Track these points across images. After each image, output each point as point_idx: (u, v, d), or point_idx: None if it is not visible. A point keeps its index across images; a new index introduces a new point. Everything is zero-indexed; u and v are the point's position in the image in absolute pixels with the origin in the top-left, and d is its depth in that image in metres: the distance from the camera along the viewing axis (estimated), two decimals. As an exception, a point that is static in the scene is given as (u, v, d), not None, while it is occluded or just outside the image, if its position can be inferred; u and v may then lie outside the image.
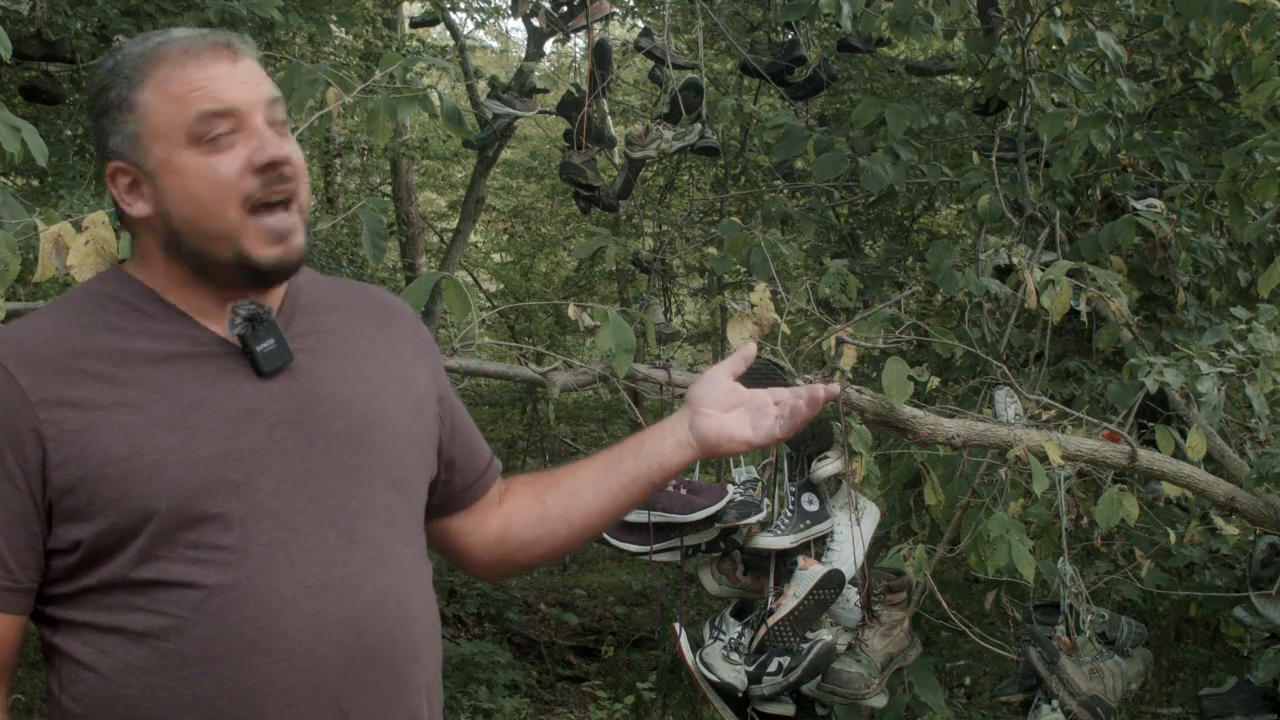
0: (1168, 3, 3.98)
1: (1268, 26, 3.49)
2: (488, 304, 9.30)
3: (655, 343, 3.58)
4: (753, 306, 2.85)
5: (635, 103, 7.55)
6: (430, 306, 6.53)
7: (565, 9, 4.51)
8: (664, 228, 6.51)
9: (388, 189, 8.82)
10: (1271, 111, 4.04)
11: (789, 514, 2.66)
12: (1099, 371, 3.94)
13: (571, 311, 2.71)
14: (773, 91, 5.13)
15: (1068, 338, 4.15)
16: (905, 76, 5.48)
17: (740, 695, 2.60)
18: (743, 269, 3.60)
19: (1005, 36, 4.18)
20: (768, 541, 2.61)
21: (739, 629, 2.66)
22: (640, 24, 5.60)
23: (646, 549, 2.52)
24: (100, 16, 4.29)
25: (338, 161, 8.68)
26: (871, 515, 2.77)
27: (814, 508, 2.69)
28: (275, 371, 1.36)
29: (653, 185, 6.54)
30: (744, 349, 1.62)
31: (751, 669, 2.57)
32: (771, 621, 2.56)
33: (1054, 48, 4.06)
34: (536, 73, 5.17)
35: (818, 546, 2.70)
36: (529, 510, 1.62)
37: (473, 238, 9.29)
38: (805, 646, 2.58)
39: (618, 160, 5.04)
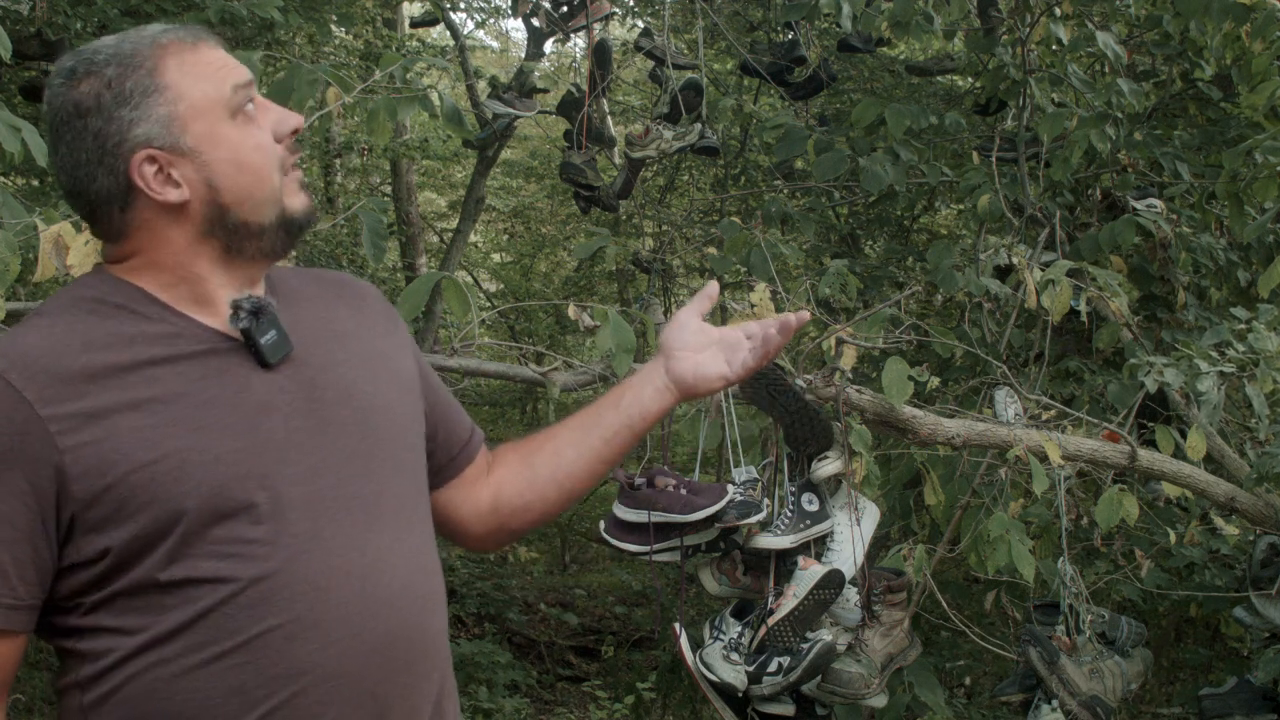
0: (1168, 3, 3.98)
1: (1268, 26, 3.49)
2: (488, 304, 9.30)
3: (655, 343, 3.57)
4: (753, 306, 2.85)
5: (635, 103, 7.55)
6: (430, 306, 6.53)
7: (565, 9, 4.51)
8: (664, 228, 6.51)
9: (388, 189, 8.82)
10: (1271, 111, 4.04)
11: (789, 514, 2.66)
12: (1099, 371, 3.94)
13: (571, 311, 2.71)
14: (773, 91, 5.13)
15: (1068, 338, 4.15)
16: (905, 76, 5.48)
17: (740, 695, 2.60)
18: (743, 269, 3.60)
19: (1005, 36, 4.18)
20: (768, 541, 2.61)
21: (739, 629, 2.65)
22: (640, 24, 5.60)
23: (646, 549, 2.52)
24: (100, 16, 4.29)
25: (338, 161, 8.68)
26: (871, 515, 2.77)
27: (814, 508, 2.69)
28: (278, 363, 1.37)
29: (653, 185, 6.54)
30: (707, 287, 1.66)
31: (751, 669, 2.57)
32: (771, 621, 2.56)
33: (1054, 48, 4.06)
34: (536, 73, 5.17)
35: (818, 546, 2.70)
36: (518, 476, 1.63)
37: (473, 238, 9.29)
38: (805, 646, 2.58)
39: (618, 160, 5.04)
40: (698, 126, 4.24)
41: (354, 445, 1.39)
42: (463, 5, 7.32)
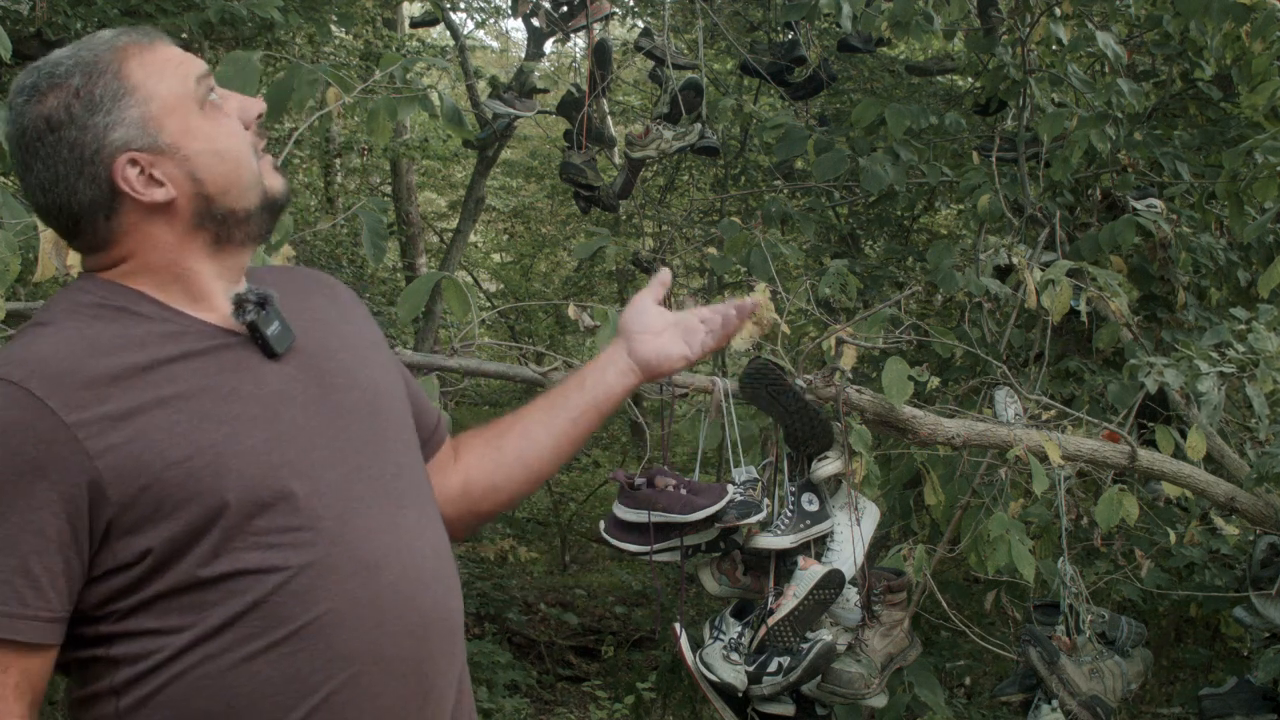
0: (1168, 3, 3.98)
1: (1268, 26, 3.49)
2: (488, 304, 9.29)
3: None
4: (753, 306, 2.85)
5: (635, 103, 7.55)
6: (430, 306, 6.53)
7: (565, 9, 4.51)
8: (664, 228, 6.51)
9: (388, 189, 8.81)
10: (1271, 111, 4.04)
11: (789, 514, 2.66)
12: (1099, 371, 3.94)
13: (571, 311, 2.71)
14: (773, 91, 5.13)
15: (1068, 338, 4.15)
16: (905, 76, 5.48)
17: (740, 695, 2.60)
18: (743, 269, 3.60)
19: (1005, 36, 4.18)
20: (768, 541, 2.61)
21: (739, 629, 2.65)
22: (640, 24, 5.60)
23: (646, 549, 2.52)
24: (100, 16, 4.29)
25: (338, 161, 8.68)
26: (871, 515, 2.77)
27: (814, 508, 2.69)
28: (283, 353, 1.38)
29: (653, 185, 6.54)
30: (660, 273, 1.72)
31: (751, 669, 2.57)
32: (771, 621, 2.56)
33: (1054, 48, 4.06)
34: (536, 73, 5.17)
35: (818, 546, 2.70)
36: (484, 459, 1.64)
37: (473, 238, 9.29)
38: (805, 646, 2.58)
39: (618, 160, 5.04)
40: (698, 126, 4.24)
41: (368, 427, 1.41)
42: (463, 5, 7.32)
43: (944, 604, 3.11)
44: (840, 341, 2.86)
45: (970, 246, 4.01)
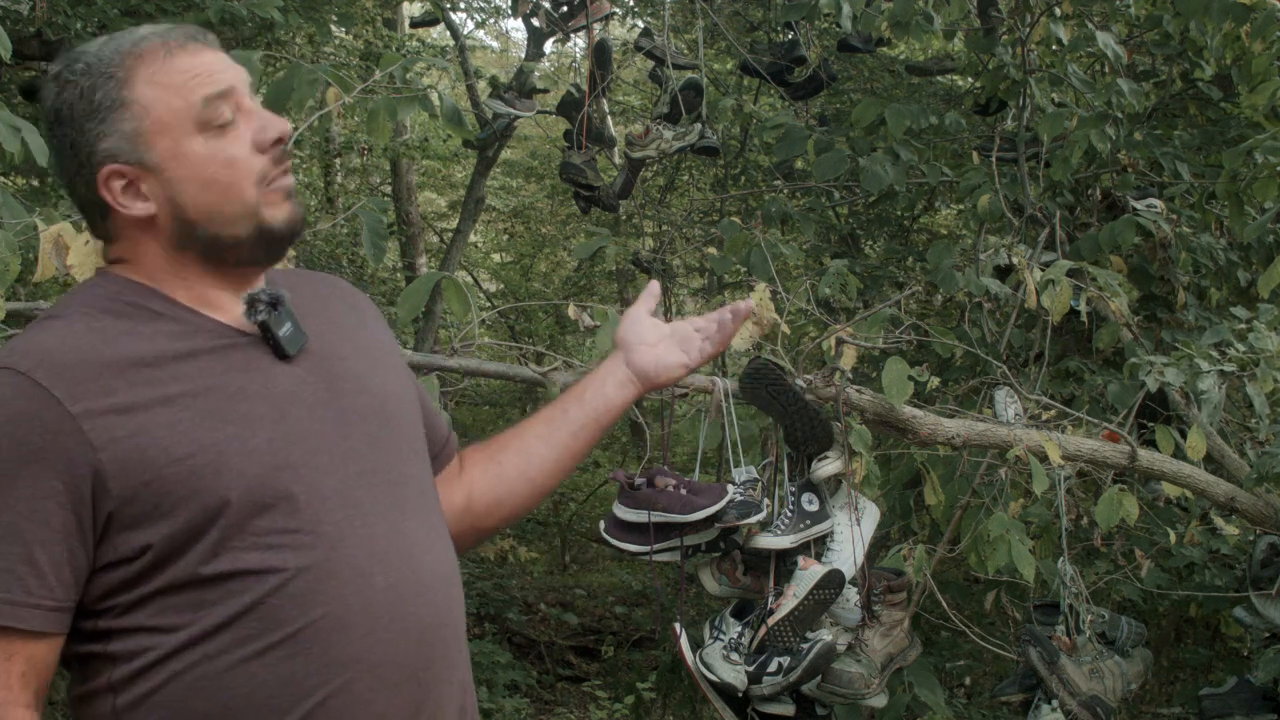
0: (1168, 3, 3.98)
1: (1268, 26, 3.49)
2: (488, 304, 9.29)
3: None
4: (753, 306, 2.85)
5: (635, 103, 7.55)
6: (430, 306, 6.53)
7: (565, 9, 4.51)
8: (664, 228, 6.51)
9: (388, 189, 8.81)
10: (1271, 111, 4.04)
11: (789, 514, 2.66)
12: (1099, 371, 3.94)
13: (571, 311, 2.71)
14: (773, 91, 5.13)
15: (1068, 338, 4.15)
16: (905, 76, 5.48)
17: (740, 695, 2.60)
18: (743, 269, 3.60)
19: (1005, 36, 4.18)
20: (768, 541, 2.61)
21: (739, 629, 2.65)
22: (640, 24, 5.60)
23: (646, 549, 2.52)
24: (100, 16, 4.29)
25: (338, 161, 8.68)
26: (871, 515, 2.77)
27: (814, 508, 2.69)
28: (295, 354, 1.38)
29: (653, 185, 6.54)
30: (650, 285, 1.72)
31: (751, 669, 2.57)
32: (771, 621, 2.56)
33: (1054, 48, 4.06)
34: (536, 73, 5.17)
35: (818, 546, 2.70)
36: (487, 474, 1.64)
37: (473, 238, 9.29)
38: (805, 646, 2.58)
39: (618, 160, 5.04)
40: (698, 126, 4.24)
41: (376, 432, 1.40)
42: (463, 5, 7.32)
43: (944, 604, 3.11)
44: (840, 341, 2.86)
45: (970, 246, 4.01)
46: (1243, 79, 4.01)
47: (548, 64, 8.51)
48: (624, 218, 6.84)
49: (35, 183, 4.89)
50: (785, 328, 2.91)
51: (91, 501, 1.25)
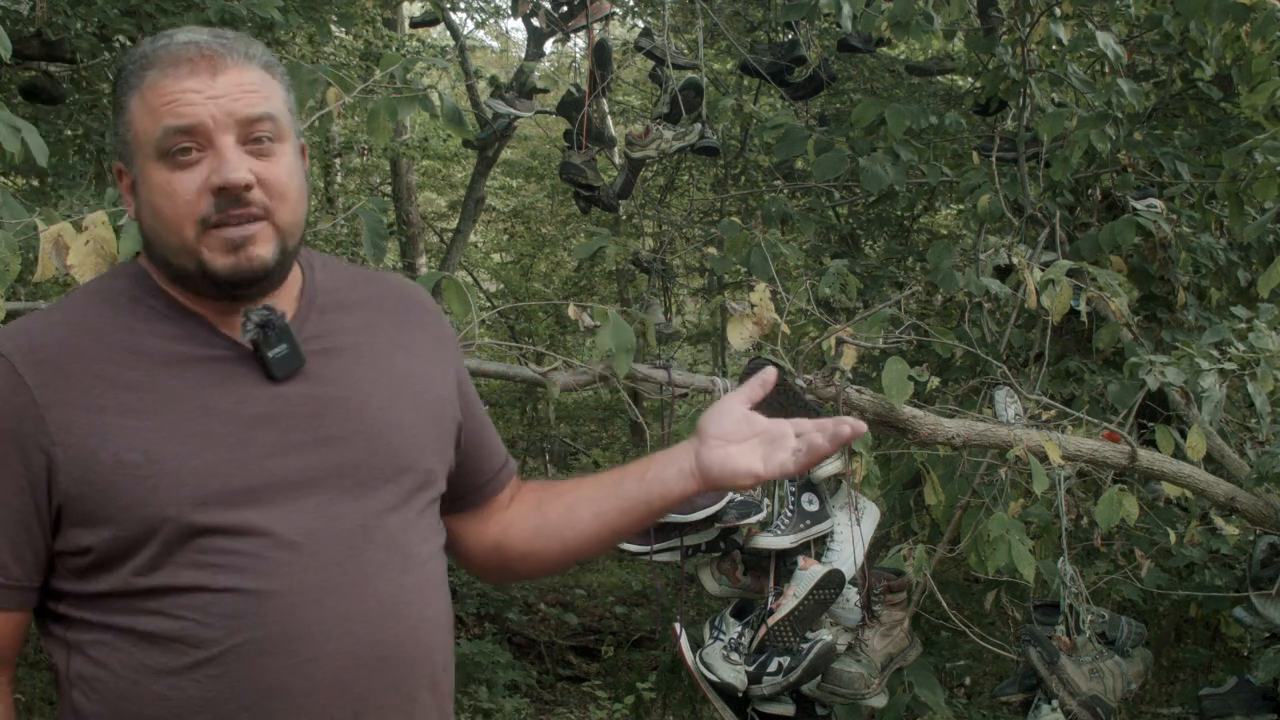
0: (1168, 3, 3.98)
1: (1268, 26, 3.49)
2: (488, 304, 9.29)
3: (655, 343, 3.58)
4: (753, 306, 2.85)
5: (635, 103, 7.55)
6: (430, 306, 6.52)
7: (565, 9, 4.51)
8: (664, 228, 6.51)
9: (388, 189, 8.82)
10: (1271, 111, 4.04)
11: (789, 514, 2.66)
12: (1099, 371, 3.94)
13: (571, 311, 2.71)
14: (773, 91, 5.13)
15: (1068, 338, 4.15)
16: (905, 76, 5.48)
17: (740, 695, 2.60)
18: (743, 269, 3.60)
19: (1005, 36, 4.18)
20: (768, 541, 2.61)
21: (739, 629, 2.66)
22: (640, 24, 5.60)
23: (646, 549, 2.52)
24: (100, 16, 4.29)
25: (338, 161, 8.69)
26: (871, 515, 2.77)
27: (814, 508, 2.69)
28: (287, 376, 1.35)
29: (653, 185, 6.54)
30: (764, 373, 1.52)
31: (751, 669, 2.57)
32: (771, 621, 2.56)
33: (1054, 48, 4.06)
34: (536, 73, 5.17)
35: (818, 546, 2.70)
36: (527, 521, 1.59)
37: (473, 238, 9.29)
38: (805, 646, 2.58)
39: (618, 160, 5.04)
40: (698, 126, 4.23)
41: (357, 460, 1.36)
42: (463, 5, 7.32)
43: (944, 604, 3.11)
44: (840, 341, 2.86)
45: (970, 246, 4.00)
46: (1243, 79, 4.01)
47: (548, 64, 8.52)
48: (624, 218, 6.84)
49: (35, 183, 4.89)
50: (785, 328, 2.91)
51: (47, 490, 1.28)
